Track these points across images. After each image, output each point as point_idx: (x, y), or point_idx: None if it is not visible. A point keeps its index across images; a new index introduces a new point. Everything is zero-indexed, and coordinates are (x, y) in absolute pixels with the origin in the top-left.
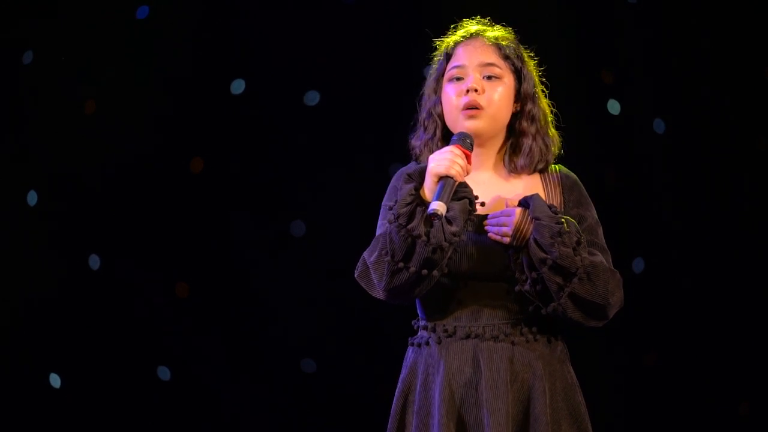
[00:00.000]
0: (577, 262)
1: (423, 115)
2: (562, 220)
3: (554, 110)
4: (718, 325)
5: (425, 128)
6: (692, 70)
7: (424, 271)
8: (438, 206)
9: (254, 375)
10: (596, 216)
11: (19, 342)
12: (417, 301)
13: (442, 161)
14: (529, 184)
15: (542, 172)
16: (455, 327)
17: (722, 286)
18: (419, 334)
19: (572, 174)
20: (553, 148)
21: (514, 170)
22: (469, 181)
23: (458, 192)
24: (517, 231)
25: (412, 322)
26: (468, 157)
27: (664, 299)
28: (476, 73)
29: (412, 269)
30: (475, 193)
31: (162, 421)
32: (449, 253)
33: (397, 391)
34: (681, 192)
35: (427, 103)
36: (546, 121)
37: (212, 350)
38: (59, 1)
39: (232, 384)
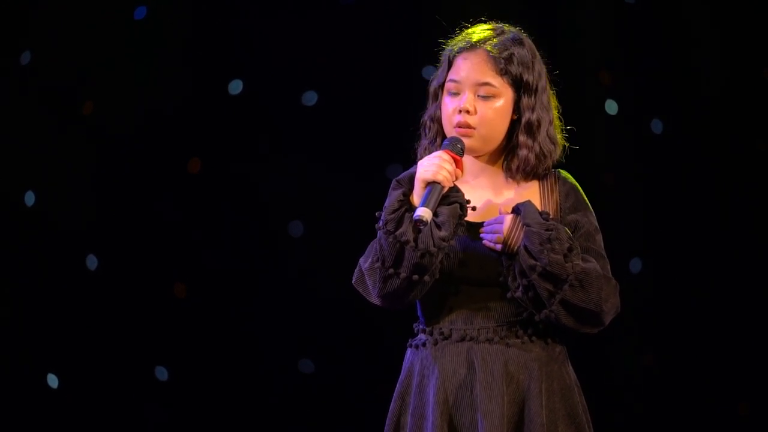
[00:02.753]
0: (568, 269)
1: (425, 119)
2: (552, 227)
3: (559, 113)
4: (717, 325)
5: (426, 133)
6: (690, 71)
7: (415, 277)
8: (423, 212)
9: (252, 375)
10: (595, 222)
11: (16, 342)
12: (417, 304)
13: (429, 167)
14: (526, 191)
15: (541, 178)
16: (451, 330)
17: (720, 287)
18: (418, 336)
19: (571, 179)
20: (552, 155)
21: (510, 177)
22: (465, 187)
23: (449, 197)
24: (508, 238)
25: (413, 325)
26: (458, 162)
27: (661, 299)
28: (470, 93)
29: (403, 275)
30: (469, 199)
31: (159, 421)
32: (440, 258)
33: (395, 392)
34: (679, 192)
35: (428, 108)
36: (548, 127)
37: (210, 351)
38: (57, 2)
39: (230, 384)
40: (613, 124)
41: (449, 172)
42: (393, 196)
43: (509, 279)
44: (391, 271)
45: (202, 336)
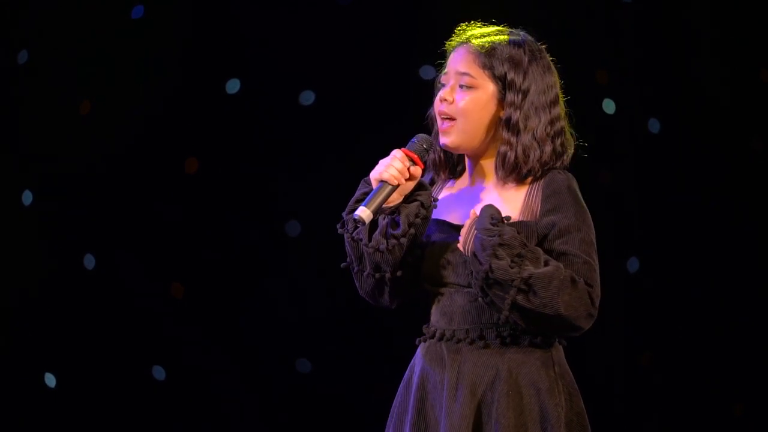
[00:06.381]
0: (513, 275)
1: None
2: (497, 232)
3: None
4: (713, 325)
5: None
6: (687, 70)
7: (378, 275)
8: (361, 212)
9: (249, 375)
10: (580, 224)
11: (14, 341)
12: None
13: (379, 166)
14: (511, 194)
15: (534, 180)
16: (435, 330)
17: (717, 286)
18: (423, 334)
19: (558, 180)
20: (536, 156)
21: (501, 179)
22: (453, 189)
23: (412, 195)
24: (465, 242)
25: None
26: (416, 160)
27: (658, 299)
28: (453, 83)
29: (367, 272)
30: (453, 203)
31: (157, 421)
32: (398, 256)
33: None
34: (676, 191)
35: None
36: (538, 128)
37: (207, 350)
38: (54, 1)
39: (227, 384)
40: (611, 124)
41: (398, 171)
42: (355, 196)
43: (473, 282)
44: (357, 268)
45: (199, 336)
